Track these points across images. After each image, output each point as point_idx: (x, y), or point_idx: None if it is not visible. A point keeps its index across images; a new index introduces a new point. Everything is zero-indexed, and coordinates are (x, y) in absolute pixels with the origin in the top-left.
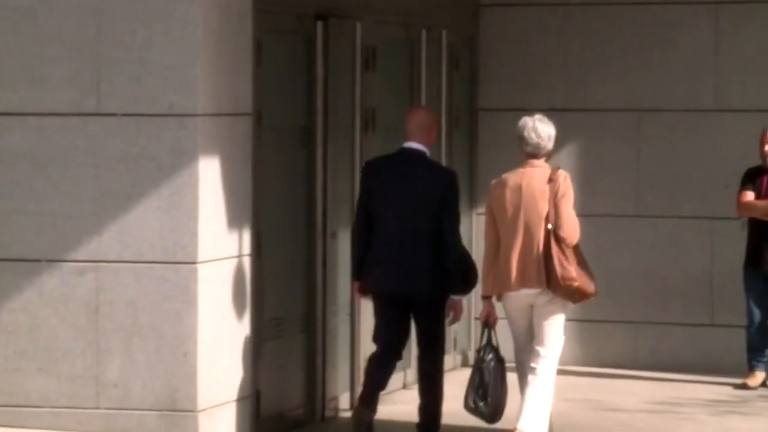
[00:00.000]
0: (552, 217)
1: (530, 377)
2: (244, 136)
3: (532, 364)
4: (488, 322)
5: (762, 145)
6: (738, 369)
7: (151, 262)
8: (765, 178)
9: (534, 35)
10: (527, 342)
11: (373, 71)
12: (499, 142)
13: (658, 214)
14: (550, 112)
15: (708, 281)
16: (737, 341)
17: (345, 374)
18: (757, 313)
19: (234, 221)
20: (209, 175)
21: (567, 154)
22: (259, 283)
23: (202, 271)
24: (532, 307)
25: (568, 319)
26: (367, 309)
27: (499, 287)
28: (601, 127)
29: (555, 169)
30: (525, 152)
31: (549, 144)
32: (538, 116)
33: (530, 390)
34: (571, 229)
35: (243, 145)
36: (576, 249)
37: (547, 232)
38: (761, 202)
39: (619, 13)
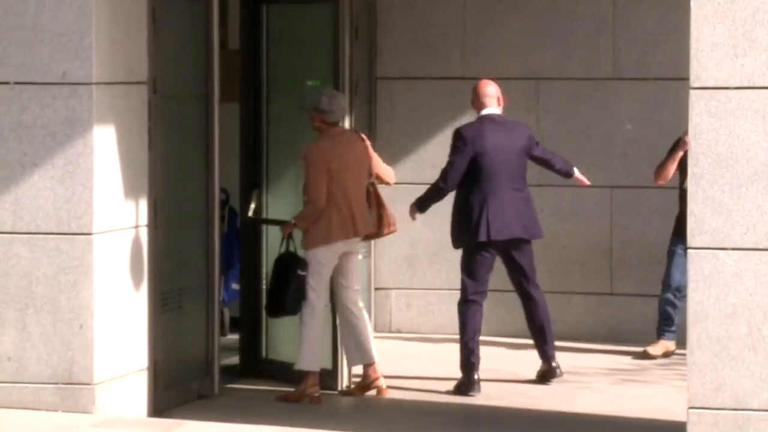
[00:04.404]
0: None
1: (358, 315)
2: (139, 104)
3: (354, 305)
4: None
5: None
6: (637, 337)
7: (45, 233)
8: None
9: (431, 3)
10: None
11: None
12: (396, 111)
13: (558, 183)
14: (448, 80)
15: (607, 250)
16: (636, 310)
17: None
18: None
19: (130, 191)
20: (104, 144)
21: (467, 122)
22: (156, 253)
23: (98, 242)
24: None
25: None
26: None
27: (338, 236)
28: None
29: (356, 131)
30: (328, 121)
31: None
32: (330, 90)
33: (366, 325)
34: (392, 173)
35: (139, 114)
36: None
37: (371, 185)
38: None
39: None
